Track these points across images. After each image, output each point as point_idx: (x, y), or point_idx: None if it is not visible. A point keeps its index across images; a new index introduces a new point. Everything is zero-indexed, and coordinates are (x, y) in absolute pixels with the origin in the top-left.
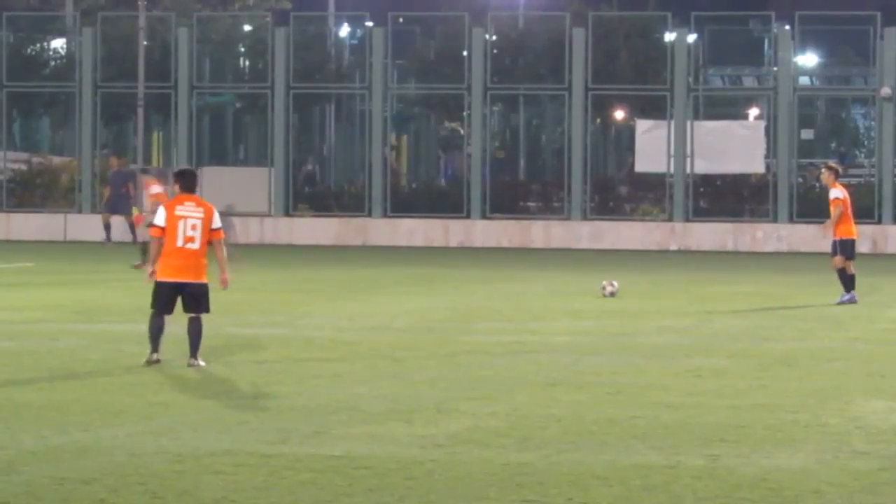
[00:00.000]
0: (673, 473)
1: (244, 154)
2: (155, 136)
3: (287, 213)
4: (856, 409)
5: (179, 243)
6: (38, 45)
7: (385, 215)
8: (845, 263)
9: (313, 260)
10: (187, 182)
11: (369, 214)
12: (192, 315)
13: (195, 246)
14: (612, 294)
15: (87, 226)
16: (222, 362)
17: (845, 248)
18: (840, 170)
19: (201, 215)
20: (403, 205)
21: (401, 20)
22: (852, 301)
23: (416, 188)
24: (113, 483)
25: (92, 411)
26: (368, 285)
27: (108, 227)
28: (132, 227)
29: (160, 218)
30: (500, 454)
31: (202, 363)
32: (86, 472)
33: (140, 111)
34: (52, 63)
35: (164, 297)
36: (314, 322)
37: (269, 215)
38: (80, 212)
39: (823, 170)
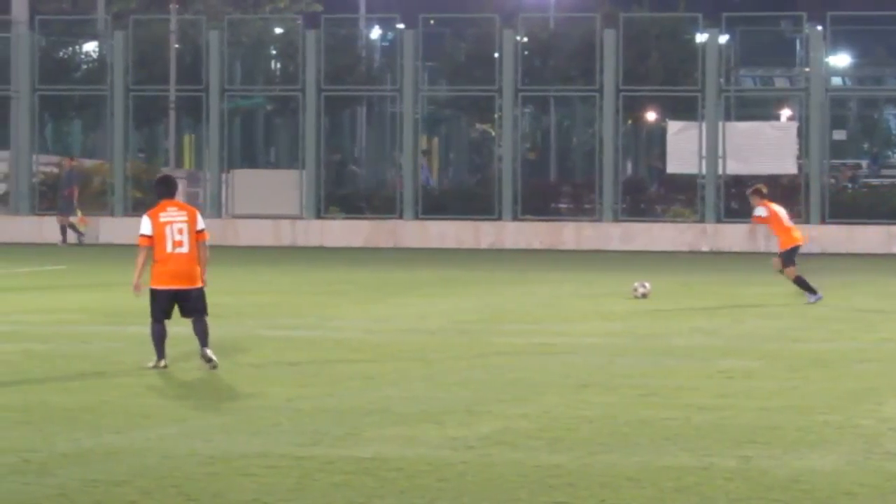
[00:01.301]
0: (705, 475)
1: (275, 156)
2: (186, 138)
3: (318, 216)
4: (888, 410)
5: (169, 249)
6: (70, 49)
7: (416, 217)
8: (790, 271)
9: (344, 262)
10: (167, 188)
11: (400, 216)
12: (194, 318)
13: (184, 250)
14: (644, 295)
15: (118, 229)
16: (253, 364)
17: (789, 256)
18: (764, 190)
19: (185, 218)
20: (434, 207)
21: (431, 22)
22: (819, 300)
23: (448, 190)
24: (145, 485)
25: (124, 414)
26: (399, 287)
27: (64, 228)
28: (64, 228)
29: (146, 227)
30: (532, 456)
31: (214, 356)
32: (118, 474)
33: (171, 114)
34: (84, 66)
35: (163, 305)
36: (345, 324)
37: (300, 217)
38: (111, 215)
39: (748, 192)
